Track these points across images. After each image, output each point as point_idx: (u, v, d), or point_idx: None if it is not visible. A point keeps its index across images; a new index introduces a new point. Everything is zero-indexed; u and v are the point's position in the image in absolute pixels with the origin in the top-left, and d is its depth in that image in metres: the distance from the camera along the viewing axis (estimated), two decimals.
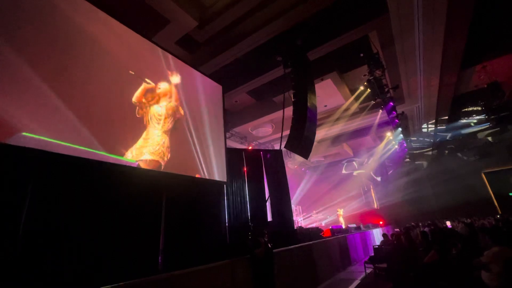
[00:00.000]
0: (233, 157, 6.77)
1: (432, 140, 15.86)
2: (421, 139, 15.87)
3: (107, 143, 3.84)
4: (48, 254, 2.82)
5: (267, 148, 12.75)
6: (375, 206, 19.11)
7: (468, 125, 14.44)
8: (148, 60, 5.06)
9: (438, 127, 14.13)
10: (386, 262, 6.30)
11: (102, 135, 3.81)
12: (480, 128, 14.44)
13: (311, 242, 6.64)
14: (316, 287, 5.96)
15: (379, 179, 19.59)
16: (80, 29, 3.94)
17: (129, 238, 3.68)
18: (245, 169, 6.92)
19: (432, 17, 6.32)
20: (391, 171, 19.55)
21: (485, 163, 16.32)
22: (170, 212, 4.52)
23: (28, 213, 2.79)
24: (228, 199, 6.12)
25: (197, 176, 5.37)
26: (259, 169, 7.13)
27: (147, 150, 4.47)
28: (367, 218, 16.07)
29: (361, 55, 7.70)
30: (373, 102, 10.33)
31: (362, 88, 9.38)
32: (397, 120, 10.71)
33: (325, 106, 11.24)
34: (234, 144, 11.92)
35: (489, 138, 15.94)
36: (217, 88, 6.97)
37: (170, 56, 5.62)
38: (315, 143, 7.52)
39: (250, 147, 12.34)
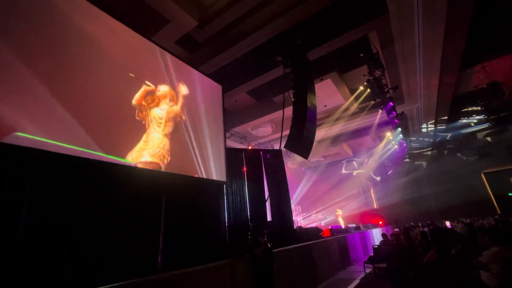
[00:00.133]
0: (232, 157, 6.78)
1: (431, 140, 15.86)
2: (421, 139, 15.87)
3: (105, 144, 3.82)
4: (48, 254, 2.82)
5: (267, 148, 12.76)
6: (375, 206, 19.13)
7: (467, 125, 14.45)
8: (147, 60, 5.06)
9: (438, 127, 14.14)
10: (386, 262, 6.31)
11: (100, 136, 3.79)
12: (480, 128, 14.45)
13: (310, 242, 6.65)
14: (316, 287, 5.97)
15: (378, 179, 19.60)
16: (79, 28, 3.93)
17: (129, 238, 3.68)
18: (244, 169, 6.92)
19: (432, 17, 6.32)
20: (390, 171, 19.57)
21: (485, 163, 16.35)
22: (170, 212, 4.52)
23: (27, 213, 2.79)
24: (227, 199, 6.12)
25: (196, 176, 5.37)
26: (258, 169, 7.13)
27: (147, 152, 4.47)
28: (366, 218, 16.08)
29: (361, 55, 7.70)
30: (372, 102, 10.33)
31: (362, 88, 9.38)
32: (396, 120, 10.72)
33: (325, 106, 11.25)
34: (233, 144, 11.92)
35: (489, 138, 15.96)
36: (217, 87, 6.97)
37: (170, 56, 5.61)
38: (314, 143, 7.53)
39: (249, 147, 12.34)
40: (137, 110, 4.50)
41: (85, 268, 3.05)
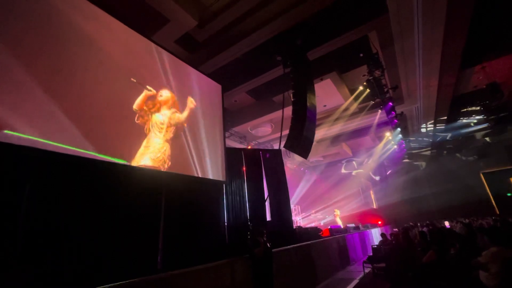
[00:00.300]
0: (232, 156, 6.78)
1: (431, 140, 15.88)
2: (420, 139, 15.89)
3: (100, 144, 3.81)
4: (47, 254, 2.82)
5: (267, 148, 12.76)
6: (374, 206, 19.15)
7: (467, 126, 14.48)
8: (147, 60, 5.05)
9: (437, 127, 14.16)
10: (385, 262, 6.32)
11: (96, 136, 3.77)
12: (479, 128, 14.48)
13: (310, 242, 6.65)
14: (315, 287, 5.97)
15: (377, 178, 19.62)
16: (78, 27, 3.91)
17: (128, 238, 3.68)
18: (244, 168, 6.92)
19: (431, 17, 6.32)
20: (390, 171, 19.59)
21: (484, 164, 16.38)
22: (169, 211, 4.52)
23: (27, 213, 2.78)
24: (227, 199, 6.12)
25: (196, 175, 5.37)
26: (258, 168, 7.13)
27: (147, 157, 4.49)
28: (365, 218, 16.09)
29: (361, 55, 7.71)
30: (372, 102, 10.35)
31: (361, 88, 9.38)
32: (396, 120, 10.73)
33: (325, 106, 11.25)
34: (233, 144, 11.92)
35: (488, 139, 15.99)
36: (217, 87, 6.97)
37: (169, 55, 5.61)
38: (314, 143, 7.53)
39: (249, 147, 12.34)
40: (137, 115, 4.49)
41: (85, 267, 3.05)
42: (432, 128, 14.02)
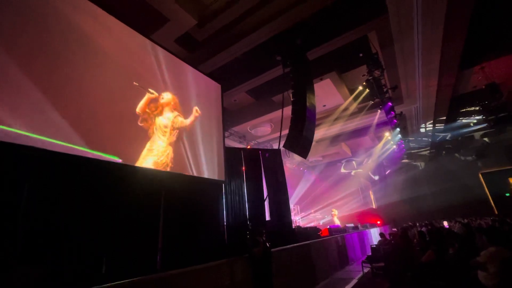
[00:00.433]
0: (231, 156, 6.78)
1: (430, 140, 15.92)
2: (419, 139, 15.93)
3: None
4: (47, 253, 2.81)
5: (266, 148, 12.76)
6: (373, 205, 19.18)
7: (466, 126, 14.51)
8: (146, 59, 5.04)
9: (436, 127, 14.18)
10: (384, 261, 6.33)
11: (93, 134, 3.79)
12: (478, 128, 14.51)
13: (309, 242, 6.66)
14: (314, 287, 5.98)
15: (376, 178, 19.65)
16: (77, 26, 3.90)
17: (128, 237, 3.68)
18: (243, 168, 6.92)
19: (431, 17, 6.33)
20: (389, 171, 19.62)
21: (483, 164, 16.42)
22: (169, 211, 4.52)
23: (26, 213, 2.78)
24: (226, 198, 6.12)
25: (195, 175, 5.36)
26: (257, 168, 7.14)
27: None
28: (365, 218, 16.11)
29: (361, 55, 7.71)
30: (371, 102, 10.36)
31: (361, 88, 9.39)
32: (395, 120, 10.74)
33: (324, 105, 11.26)
34: (232, 143, 11.91)
35: (486, 139, 16.03)
36: (216, 87, 6.96)
37: (169, 54, 5.60)
38: (313, 143, 7.53)
39: (248, 146, 12.34)
40: (141, 118, 4.52)
41: (84, 267, 3.05)
42: (431, 128, 14.05)
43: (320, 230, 8.70)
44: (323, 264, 6.78)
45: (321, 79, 9.05)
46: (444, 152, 17.60)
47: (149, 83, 4.85)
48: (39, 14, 3.47)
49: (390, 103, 9.53)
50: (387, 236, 8.58)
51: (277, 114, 10.02)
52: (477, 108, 12.16)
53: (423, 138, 15.84)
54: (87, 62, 3.92)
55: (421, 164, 19.46)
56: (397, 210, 17.87)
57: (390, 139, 14.18)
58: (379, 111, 10.73)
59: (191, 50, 7.39)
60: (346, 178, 19.22)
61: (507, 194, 15.37)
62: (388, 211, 17.96)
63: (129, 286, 2.65)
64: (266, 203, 6.97)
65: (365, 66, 8.09)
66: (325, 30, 7.12)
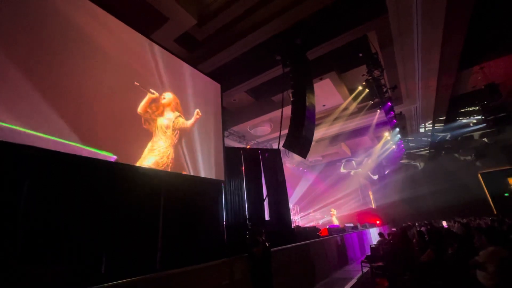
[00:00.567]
0: (231, 156, 6.77)
1: (429, 140, 15.94)
2: (419, 139, 15.95)
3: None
4: (46, 253, 2.81)
5: (265, 147, 12.76)
6: (372, 205, 19.20)
7: (465, 126, 14.53)
8: (146, 59, 5.03)
9: (436, 128, 14.21)
10: (383, 261, 6.34)
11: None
12: (477, 128, 14.54)
13: (308, 241, 6.67)
14: (313, 286, 5.99)
15: (376, 177, 19.67)
16: (76, 25, 3.89)
17: (127, 237, 3.68)
18: (243, 168, 6.92)
19: (431, 18, 6.34)
20: (388, 171, 19.64)
21: (482, 164, 16.44)
22: (168, 210, 4.52)
23: (25, 212, 2.77)
24: (226, 198, 6.12)
25: (195, 175, 5.36)
26: (257, 168, 7.13)
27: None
28: (364, 218, 16.13)
29: (360, 55, 7.71)
30: (371, 102, 10.37)
31: (360, 88, 9.40)
32: (395, 120, 10.75)
33: (324, 105, 11.26)
34: (232, 143, 11.91)
35: (485, 139, 16.06)
36: (216, 86, 6.96)
37: (168, 54, 5.60)
38: (313, 143, 7.54)
39: (248, 146, 12.34)
40: (143, 119, 4.53)
41: (84, 266, 3.04)
42: (431, 128, 14.07)
43: (320, 230, 8.71)
44: (322, 264, 6.79)
45: (321, 79, 9.05)
46: (443, 152, 17.63)
47: (149, 83, 4.85)
48: (38, 13, 3.47)
49: (389, 103, 9.54)
50: (386, 236, 8.59)
51: (276, 113, 10.03)
52: (477, 108, 12.19)
53: (423, 138, 15.87)
54: (87, 61, 3.91)
55: (420, 164, 19.48)
56: (397, 210, 17.90)
57: (390, 139, 14.19)
58: (378, 111, 10.74)
59: (191, 49, 7.38)
60: (345, 178, 19.24)
61: (506, 194, 15.41)
62: (387, 211, 17.98)
63: (129, 285, 2.65)
64: (266, 203, 6.97)
65: (365, 66, 8.10)
66: (325, 30, 7.12)
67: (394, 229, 13.13)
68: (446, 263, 4.14)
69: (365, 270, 6.97)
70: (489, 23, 7.63)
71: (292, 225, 8.34)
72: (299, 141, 6.62)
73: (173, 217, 4.57)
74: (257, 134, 12.40)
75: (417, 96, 10.19)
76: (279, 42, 7.10)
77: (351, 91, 10.31)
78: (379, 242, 8.39)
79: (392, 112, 10.10)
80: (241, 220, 6.18)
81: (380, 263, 6.34)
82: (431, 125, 13.57)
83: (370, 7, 6.55)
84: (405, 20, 6.42)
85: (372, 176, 19.69)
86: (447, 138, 15.86)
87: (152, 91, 4.79)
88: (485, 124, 12.26)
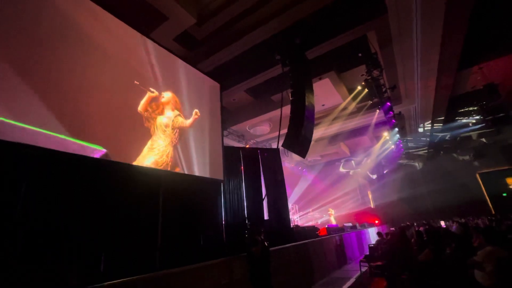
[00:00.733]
0: (230, 155, 6.77)
1: (428, 140, 15.98)
2: (417, 139, 15.98)
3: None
4: (45, 252, 2.80)
5: (265, 147, 12.77)
6: (371, 205, 19.24)
7: (464, 126, 14.57)
8: (145, 58, 5.02)
9: (434, 128, 14.24)
10: (381, 261, 6.36)
11: (90, 133, 3.78)
12: (476, 128, 14.58)
13: (307, 241, 6.68)
14: (312, 286, 6.00)
15: (374, 177, 19.71)
16: (75, 24, 3.87)
17: (127, 236, 3.68)
18: (242, 167, 6.92)
19: (430, 18, 6.34)
20: (387, 171, 19.68)
21: (480, 164, 16.49)
22: (167, 210, 4.51)
23: (23, 211, 2.76)
24: (225, 198, 6.12)
25: (194, 174, 5.36)
26: (256, 167, 7.14)
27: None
28: (363, 217, 16.17)
29: (360, 55, 7.72)
30: (370, 102, 10.38)
31: (359, 87, 9.41)
32: (394, 120, 10.77)
33: (323, 105, 11.26)
34: (231, 143, 11.91)
35: (484, 139, 16.10)
36: (215, 86, 6.95)
37: (167, 53, 5.59)
38: (312, 142, 7.54)
39: (247, 146, 12.34)
40: (143, 118, 4.53)
41: (83, 266, 3.04)
42: (430, 128, 14.10)
43: (319, 229, 8.73)
44: (321, 263, 6.81)
45: (320, 79, 9.05)
46: (442, 152, 17.67)
47: (148, 82, 4.84)
48: (38, 12, 3.45)
49: (388, 103, 9.55)
50: (385, 236, 8.61)
51: (276, 113, 10.03)
52: (475, 108, 12.22)
53: (421, 138, 15.90)
54: (86, 60, 3.90)
55: (419, 164, 19.53)
56: (395, 209, 17.93)
57: (389, 139, 14.22)
58: (377, 111, 10.75)
59: (190, 48, 7.37)
60: (344, 178, 19.27)
61: (504, 194, 15.46)
62: (386, 210, 18.02)
63: (128, 284, 2.65)
64: (265, 202, 6.98)
65: (364, 66, 8.10)
66: (325, 30, 7.12)
67: (393, 228, 13.16)
68: (444, 263, 4.16)
69: (363, 269, 6.99)
70: (489, 23, 7.64)
71: (291, 224, 8.35)
72: (298, 141, 6.61)
73: (172, 216, 4.57)
74: (256, 134, 12.40)
75: (416, 96, 10.20)
76: (278, 41, 7.09)
77: (350, 90, 10.31)
78: (377, 241, 8.41)
79: (391, 112, 10.12)
80: (240, 219, 6.18)
81: (379, 263, 6.36)
82: (430, 125, 13.60)
83: (370, 7, 6.55)
84: (405, 20, 6.43)
85: (371, 176, 19.73)
86: (447, 138, 15.90)
87: (152, 90, 4.79)
88: (484, 124, 12.31)
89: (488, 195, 15.86)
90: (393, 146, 15.05)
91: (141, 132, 4.50)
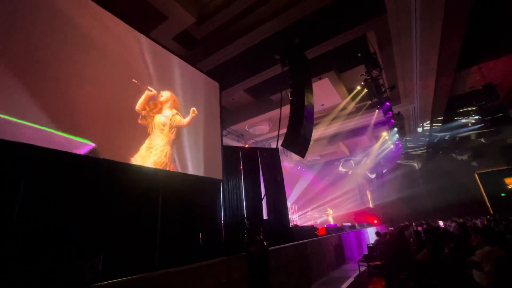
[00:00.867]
0: (229, 155, 6.77)
1: (427, 140, 16.02)
2: (417, 139, 16.02)
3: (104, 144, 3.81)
4: (45, 253, 2.80)
5: (264, 146, 12.77)
6: (370, 205, 19.28)
7: (462, 126, 14.61)
8: (144, 57, 5.00)
9: (433, 128, 14.27)
10: (380, 260, 6.38)
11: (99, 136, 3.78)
12: (474, 128, 14.62)
13: (306, 240, 6.70)
14: (311, 285, 6.02)
15: (373, 176, 19.75)
16: (74, 23, 3.85)
17: (126, 235, 3.67)
18: (241, 167, 6.92)
19: (429, 18, 6.36)
20: (386, 171, 19.73)
21: (479, 164, 16.54)
22: (166, 209, 4.51)
23: (22, 211, 2.76)
24: (224, 197, 6.11)
25: (192, 173, 5.36)
26: (255, 167, 7.13)
27: (150, 159, 4.52)
28: (361, 217, 16.21)
29: (359, 54, 7.73)
30: (369, 102, 10.39)
31: (359, 87, 9.42)
32: (393, 120, 10.79)
33: (322, 105, 11.27)
34: (230, 142, 11.90)
35: (483, 139, 16.15)
36: (214, 85, 6.94)
37: (167, 52, 5.57)
38: (311, 142, 7.54)
39: (246, 145, 12.34)
40: (140, 116, 4.51)
41: (83, 265, 3.03)
42: (429, 128, 14.13)
43: (317, 229, 8.74)
44: (320, 263, 6.82)
45: (320, 78, 9.05)
46: (440, 152, 17.72)
47: (146, 81, 4.82)
48: (36, 11, 3.44)
49: (388, 103, 9.56)
50: (383, 235, 8.63)
51: (275, 113, 10.03)
52: (474, 108, 12.26)
53: (420, 138, 15.94)
54: (85, 59, 3.89)
55: (418, 164, 19.58)
56: (394, 209, 17.98)
57: (388, 139, 14.24)
58: (377, 111, 10.77)
59: (190, 48, 7.36)
60: (343, 178, 19.31)
61: (503, 194, 15.51)
62: (385, 210, 18.08)
63: (127, 284, 2.65)
64: (264, 202, 6.98)
65: (363, 66, 8.11)
66: (324, 29, 7.12)
67: (392, 228, 13.19)
68: (442, 263, 4.17)
69: (362, 269, 7.01)
70: (488, 24, 7.66)
71: (290, 224, 8.35)
72: (298, 140, 6.61)
73: (171, 216, 4.57)
74: (256, 133, 12.40)
75: (415, 96, 10.22)
76: (278, 41, 7.09)
77: (349, 90, 10.33)
78: (376, 241, 8.43)
79: (390, 112, 10.14)
80: (239, 219, 6.18)
81: (377, 262, 6.38)
82: (429, 125, 13.63)
83: (369, 7, 6.55)
84: (404, 20, 6.44)
85: (370, 175, 19.77)
86: (446, 138, 15.93)
87: (150, 88, 4.77)
88: (483, 124, 12.34)
89: (486, 195, 15.92)
90: (392, 146, 15.08)
91: (139, 131, 4.48)
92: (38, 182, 3.01)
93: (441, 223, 12.87)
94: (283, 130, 6.95)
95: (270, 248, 4.63)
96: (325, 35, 7.16)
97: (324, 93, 10.09)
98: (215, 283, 3.70)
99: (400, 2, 5.90)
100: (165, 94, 5.13)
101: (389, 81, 9.27)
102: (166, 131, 4.93)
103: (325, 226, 9.22)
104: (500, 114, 10.55)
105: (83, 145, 3.55)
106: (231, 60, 7.74)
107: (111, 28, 4.46)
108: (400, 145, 15.04)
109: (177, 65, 5.77)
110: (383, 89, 8.89)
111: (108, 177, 3.88)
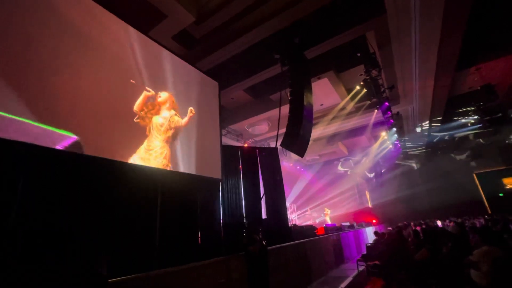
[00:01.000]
0: (228, 154, 6.77)
1: (426, 139, 16.06)
2: (415, 139, 16.05)
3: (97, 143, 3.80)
4: (45, 252, 2.79)
5: (263, 146, 12.77)
6: (369, 205, 19.33)
7: (461, 126, 14.66)
8: (143, 56, 4.99)
9: (432, 128, 14.31)
10: (379, 260, 6.39)
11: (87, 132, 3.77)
12: (473, 128, 14.66)
13: (305, 240, 6.70)
14: (309, 285, 6.03)
15: (372, 176, 19.80)
16: (73, 22, 3.84)
17: (125, 235, 3.67)
18: (240, 166, 6.92)
19: (429, 18, 6.37)
20: (384, 170, 19.78)
21: (477, 164, 16.61)
22: (165, 209, 4.51)
23: (20, 210, 2.75)
24: (223, 196, 6.11)
25: (192, 173, 5.35)
26: (254, 166, 7.14)
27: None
28: (360, 217, 16.24)
29: (358, 54, 7.73)
30: (368, 102, 10.41)
31: (358, 87, 9.43)
32: (392, 120, 10.81)
33: (321, 105, 11.28)
34: (230, 142, 11.90)
35: (481, 140, 16.21)
36: (214, 84, 6.94)
37: (166, 51, 5.56)
38: (310, 142, 7.56)
39: (246, 145, 12.34)
40: (137, 116, 4.49)
41: (82, 265, 3.03)
42: (427, 128, 14.17)
43: (316, 228, 8.76)
44: (318, 263, 6.83)
45: (319, 78, 9.06)
46: (439, 152, 17.77)
47: (145, 81, 4.81)
48: (35, 10, 3.42)
49: (387, 103, 9.58)
50: (382, 235, 8.65)
51: (274, 112, 10.02)
52: (473, 108, 12.29)
53: (419, 138, 15.98)
54: (84, 59, 3.88)
55: (416, 164, 19.63)
56: (393, 209, 18.04)
57: (387, 139, 14.27)
58: (376, 110, 10.79)
59: (189, 47, 7.35)
60: (342, 177, 19.34)
61: (501, 194, 15.58)
62: (383, 210, 18.12)
63: (126, 283, 2.65)
64: (263, 202, 6.98)
65: (363, 65, 8.12)
66: (324, 29, 7.12)
67: (390, 228, 13.23)
68: (440, 262, 4.19)
69: (361, 268, 7.03)
70: (487, 24, 7.68)
71: (289, 223, 8.37)
72: (297, 140, 6.62)
73: (171, 215, 4.56)
74: (255, 133, 12.40)
75: (414, 96, 10.24)
76: (277, 40, 7.09)
77: (348, 90, 10.34)
78: (375, 241, 8.45)
79: (389, 112, 10.16)
80: (238, 218, 6.18)
81: (376, 262, 6.39)
82: (427, 125, 13.67)
83: (368, 7, 6.56)
84: (404, 20, 6.45)
85: (369, 175, 19.81)
86: (445, 138, 15.97)
87: (148, 89, 4.76)
88: (481, 124, 12.38)
89: (484, 195, 15.99)
90: (391, 146, 15.11)
91: (137, 132, 4.46)
92: (36, 181, 3.00)
93: (439, 222, 12.91)
94: (282, 130, 6.95)
95: (269, 248, 4.64)
96: (325, 35, 7.16)
97: (324, 93, 10.10)
98: (214, 282, 3.70)
99: (400, 2, 5.91)
100: (163, 95, 5.10)
101: (388, 81, 9.29)
102: (164, 131, 4.92)
103: (324, 225, 9.24)
104: (498, 115, 10.58)
105: (80, 144, 3.55)
106: (230, 60, 7.74)
107: (110, 28, 4.45)
108: (399, 145, 15.08)
109: (176, 65, 5.76)
110: (382, 89, 8.91)
111: (108, 177, 3.87)
